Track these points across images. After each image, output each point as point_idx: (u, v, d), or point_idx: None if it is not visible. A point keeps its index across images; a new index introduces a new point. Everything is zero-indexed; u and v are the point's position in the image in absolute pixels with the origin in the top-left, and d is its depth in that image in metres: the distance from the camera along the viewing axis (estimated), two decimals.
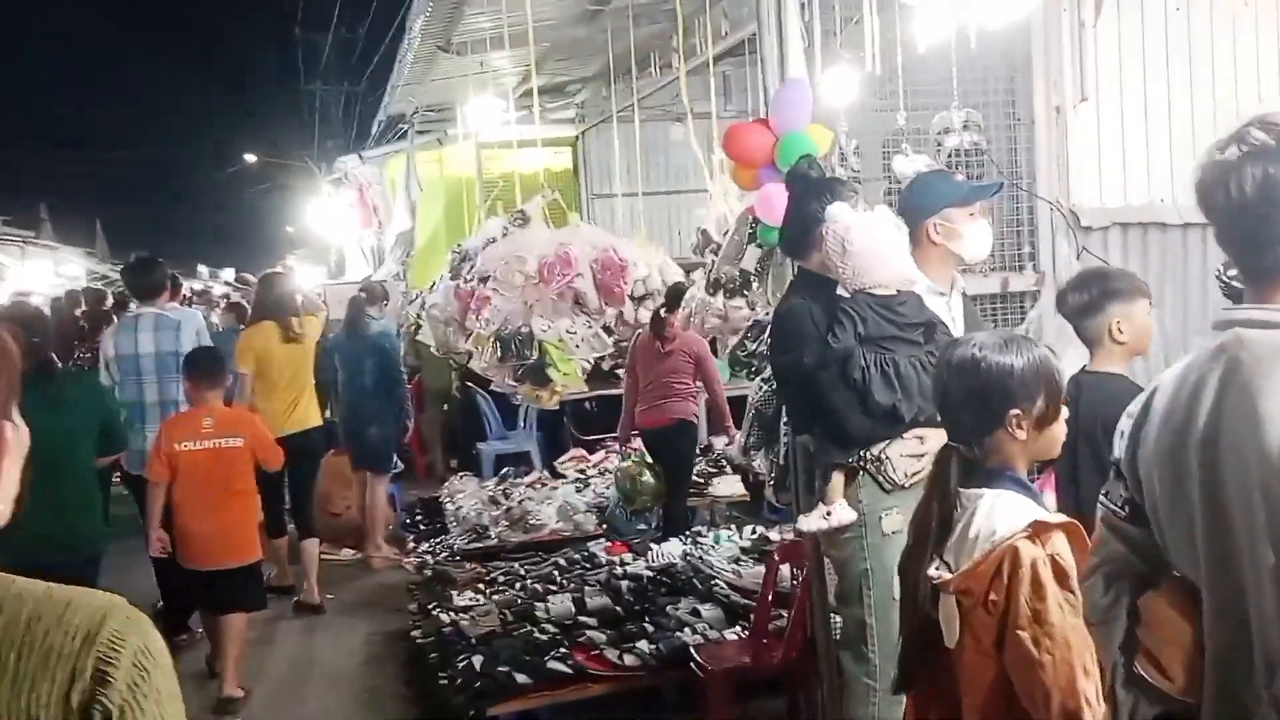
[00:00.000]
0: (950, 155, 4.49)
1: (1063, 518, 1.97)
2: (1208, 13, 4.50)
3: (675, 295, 5.19)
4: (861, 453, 3.05)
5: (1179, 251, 4.51)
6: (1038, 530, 1.95)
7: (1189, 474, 1.58)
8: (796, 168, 3.22)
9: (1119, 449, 1.73)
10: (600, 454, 7.41)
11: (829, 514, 3.08)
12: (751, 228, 3.98)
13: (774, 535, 5.17)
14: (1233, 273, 2.49)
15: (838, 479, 3.08)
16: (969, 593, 1.97)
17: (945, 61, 4.20)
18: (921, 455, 2.99)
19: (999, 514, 1.99)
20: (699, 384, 5.87)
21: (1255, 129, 1.54)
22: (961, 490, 2.06)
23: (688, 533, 5.46)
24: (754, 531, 5.40)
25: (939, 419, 2.74)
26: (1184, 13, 4.49)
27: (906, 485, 2.99)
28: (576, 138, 9.95)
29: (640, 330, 5.53)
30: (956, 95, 4.23)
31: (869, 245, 2.94)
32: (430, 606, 4.76)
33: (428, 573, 5.42)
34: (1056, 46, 4.33)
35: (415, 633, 4.68)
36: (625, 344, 5.67)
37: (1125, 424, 1.73)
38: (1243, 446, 1.49)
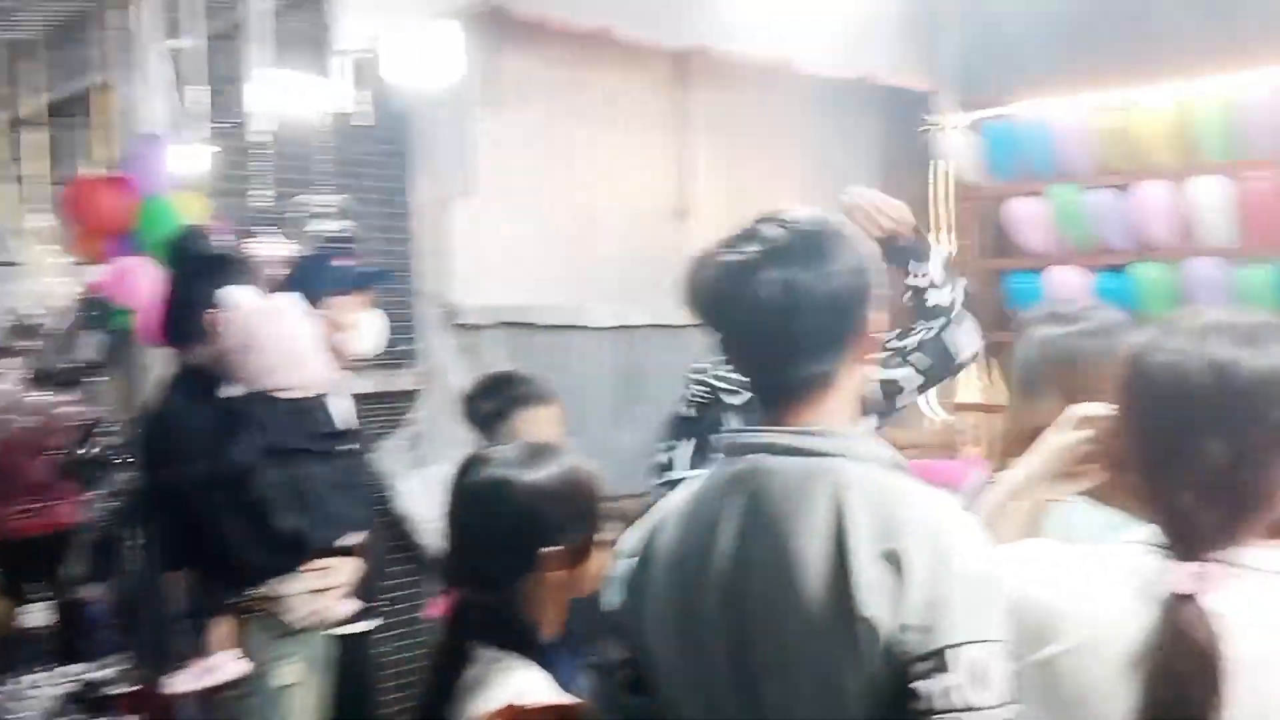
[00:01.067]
0: (317, 241, 4.13)
1: (557, 700, 1.59)
2: (582, 120, 4.62)
3: None
4: (253, 590, 2.52)
5: (552, 353, 4.52)
6: (510, 716, 1.57)
7: (708, 633, 1.32)
8: (181, 240, 2.65)
9: (614, 600, 1.44)
10: None
11: (210, 669, 2.50)
12: (95, 309, 3.28)
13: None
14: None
15: (222, 624, 2.51)
16: None
17: (322, 140, 3.87)
18: (327, 591, 2.54)
19: (502, 687, 1.60)
20: None
21: (772, 226, 1.36)
22: (482, 649, 1.64)
23: None
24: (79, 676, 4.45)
25: (350, 546, 2.34)
26: (560, 117, 4.56)
27: (308, 628, 2.52)
28: None
29: None
30: (330, 178, 3.92)
31: (278, 339, 2.45)
32: None
33: None
34: (441, 136, 4.15)
35: None
36: None
37: (622, 569, 1.45)
38: (776, 600, 1.26)
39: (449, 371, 4.05)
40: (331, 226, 4.00)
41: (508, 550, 1.66)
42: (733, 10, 4.23)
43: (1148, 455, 1.24)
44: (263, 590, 2.50)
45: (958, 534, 1.24)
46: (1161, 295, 4.25)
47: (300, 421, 2.48)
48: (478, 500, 1.68)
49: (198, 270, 2.61)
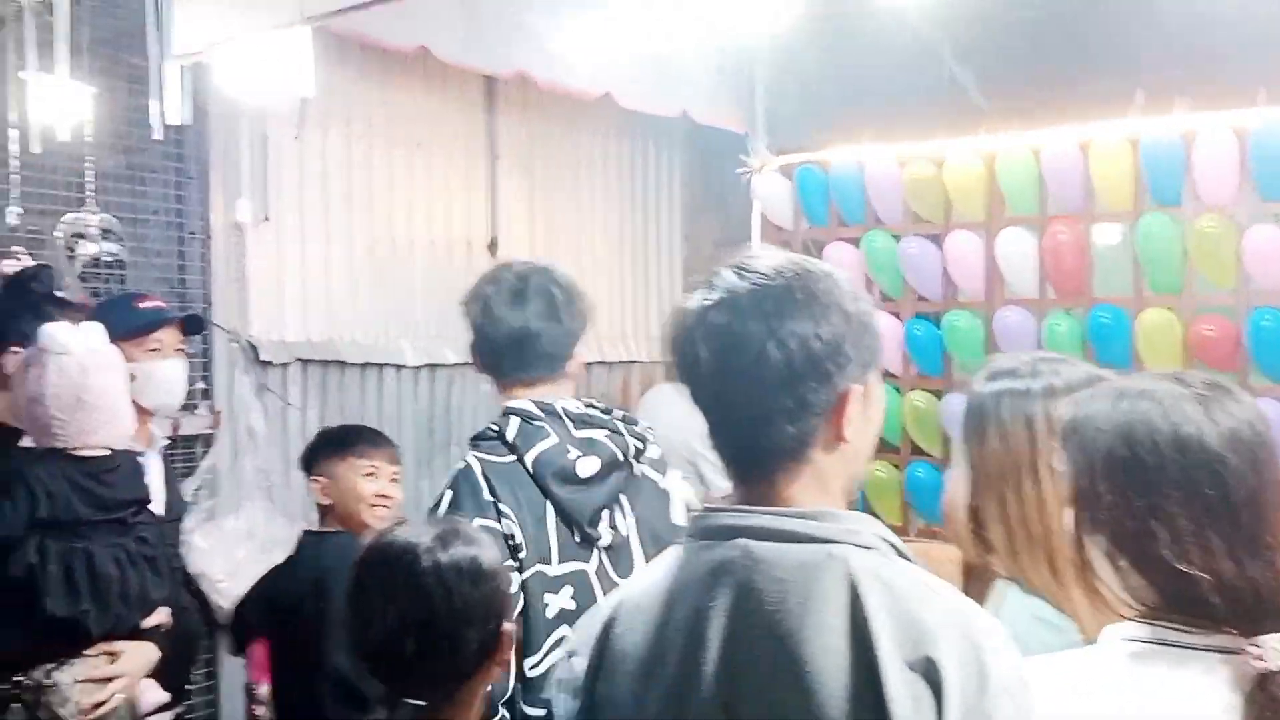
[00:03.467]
0: (85, 266, 3.71)
1: None
2: (388, 144, 4.35)
3: None
4: (16, 678, 2.16)
5: (358, 393, 4.23)
6: None
7: None
8: (18, 275, 2.32)
9: (562, 709, 1.24)
10: None
11: None
12: None
13: None
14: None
15: None
16: None
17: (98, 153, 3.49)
18: (108, 681, 2.20)
19: None
20: None
21: (728, 272, 1.21)
22: None
23: None
24: None
25: (140, 629, 2.03)
26: (366, 141, 4.28)
27: None
28: None
29: None
30: (92, 195, 3.54)
31: (109, 391, 2.12)
32: None
33: None
34: (235, 154, 3.81)
35: None
36: None
37: (567, 671, 1.25)
38: (784, 715, 1.09)
39: (246, 413, 3.71)
40: (94, 249, 3.62)
41: (477, 636, 1.51)
42: (553, 39, 4.09)
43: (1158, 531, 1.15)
44: (32, 678, 2.14)
45: (991, 640, 1.10)
46: (971, 343, 4.34)
47: (94, 485, 2.13)
48: (423, 588, 1.51)
49: (15, 306, 2.26)
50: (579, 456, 2.11)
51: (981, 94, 4.35)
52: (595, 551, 2.11)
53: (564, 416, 2.18)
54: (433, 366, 4.54)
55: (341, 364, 4.16)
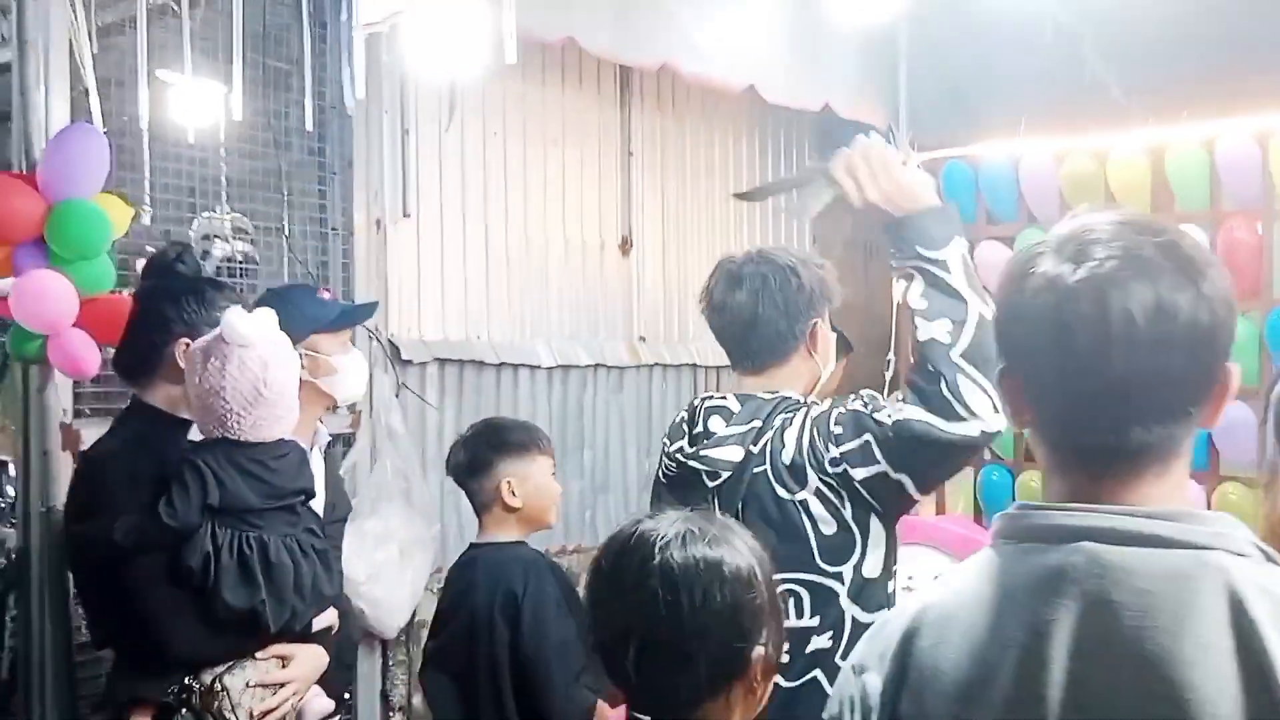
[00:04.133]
0: (220, 265, 3.67)
1: None
2: (522, 141, 4.26)
3: None
4: (186, 681, 2.07)
5: (493, 393, 4.13)
6: None
7: None
8: (161, 257, 2.25)
9: None
10: None
11: None
12: None
13: None
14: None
15: None
16: None
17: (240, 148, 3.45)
18: (280, 686, 2.10)
19: None
20: None
21: (1127, 232, 1.05)
22: None
23: None
24: None
25: (312, 630, 1.93)
26: (500, 138, 4.19)
27: None
28: None
29: None
30: (250, 191, 3.51)
31: (287, 385, 2.03)
32: None
33: None
34: (379, 151, 3.74)
35: None
36: None
37: (855, 689, 1.09)
38: None
39: (386, 413, 3.62)
40: (227, 249, 3.58)
41: (708, 656, 1.33)
42: (698, 30, 3.95)
43: None
44: (201, 681, 2.05)
45: None
46: None
47: (264, 472, 2.04)
48: (669, 589, 1.33)
49: (172, 293, 2.19)
50: (667, 463, 2.15)
51: (1124, 89, 4.09)
52: None
53: (685, 416, 2.19)
54: (566, 368, 4.43)
55: (479, 364, 4.07)
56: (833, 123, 4.98)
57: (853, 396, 2.05)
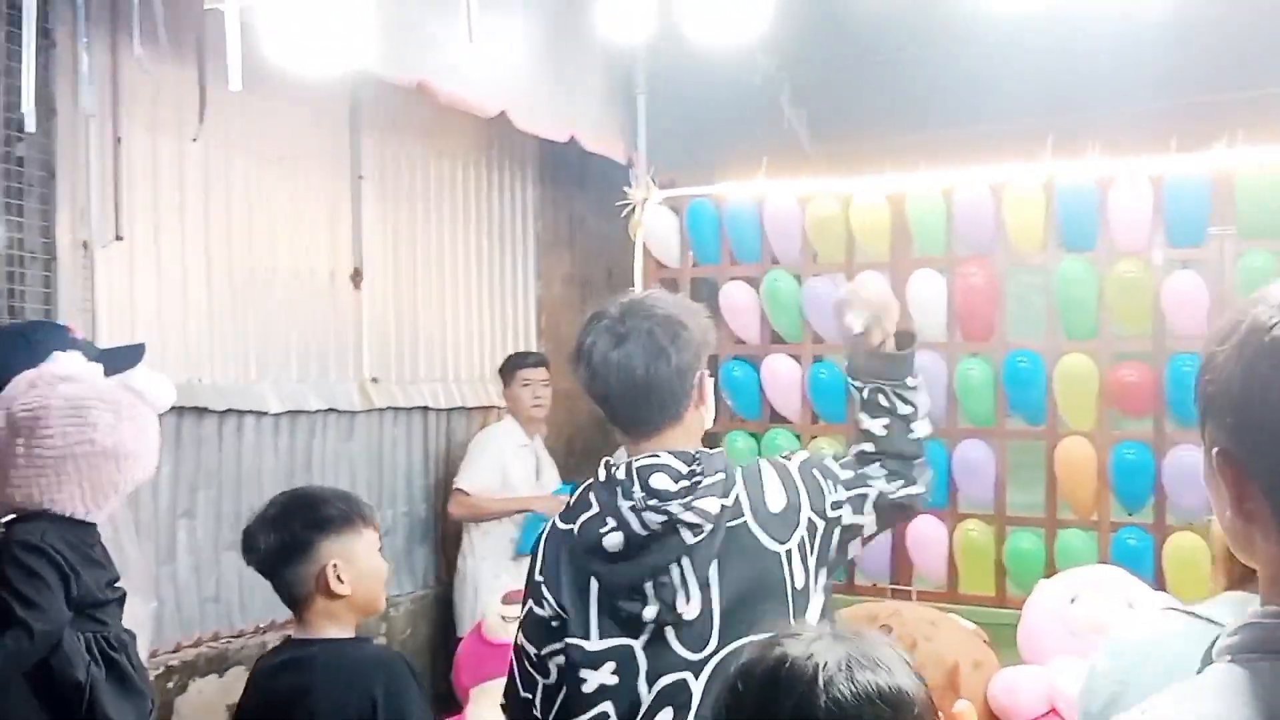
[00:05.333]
0: None
1: None
2: (246, 159, 3.78)
3: None
4: None
5: (215, 444, 3.61)
6: None
7: None
8: None
9: None
10: None
11: None
12: None
13: None
14: None
15: None
16: None
17: None
18: None
19: None
20: None
21: None
22: None
23: None
24: None
25: None
26: (225, 150, 3.69)
27: None
28: None
29: None
30: None
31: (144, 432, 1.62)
32: None
33: None
34: (85, 163, 3.17)
35: None
36: None
37: None
38: None
39: None
40: None
41: None
42: (454, 51, 3.67)
43: None
44: None
45: None
46: None
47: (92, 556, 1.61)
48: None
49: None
50: (609, 530, 1.89)
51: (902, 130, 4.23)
52: (645, 629, 1.88)
53: (613, 482, 1.93)
54: (295, 413, 3.97)
55: (200, 410, 3.54)
56: (569, 151, 4.83)
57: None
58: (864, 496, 2.04)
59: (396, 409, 4.45)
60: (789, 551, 1.93)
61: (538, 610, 1.94)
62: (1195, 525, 3.87)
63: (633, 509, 1.87)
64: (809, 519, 1.96)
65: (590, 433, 4.99)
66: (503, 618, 3.58)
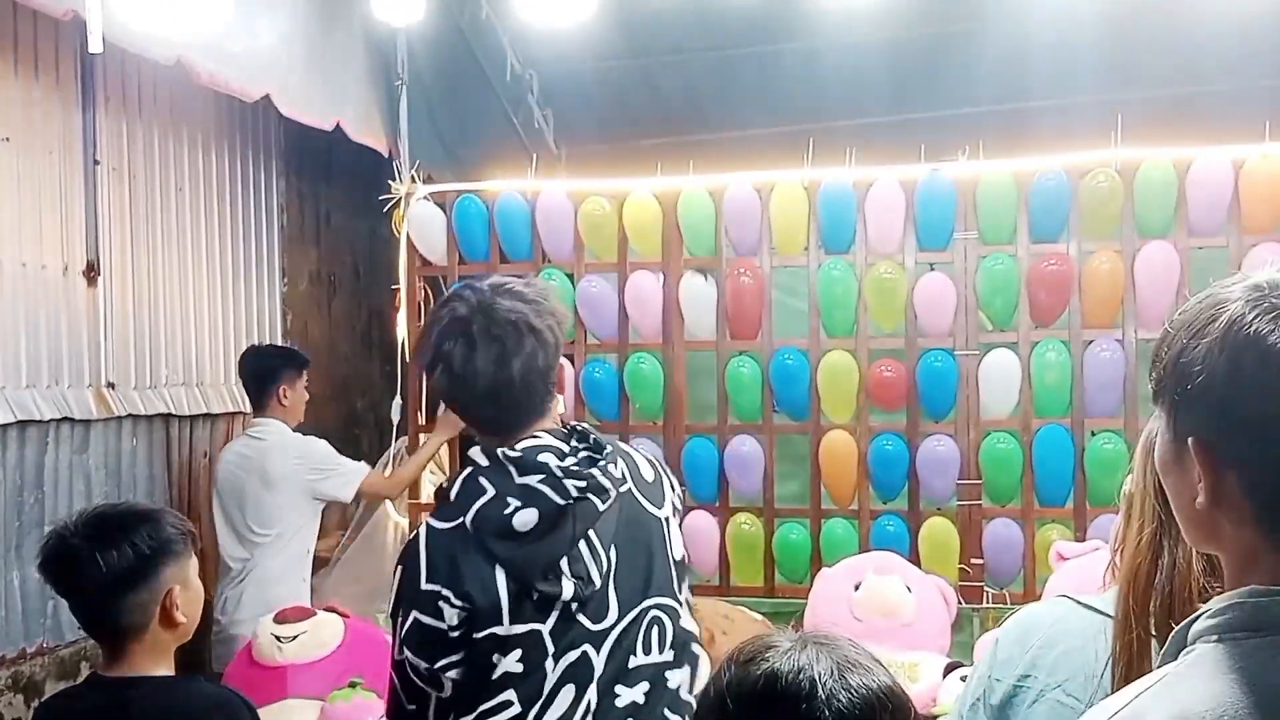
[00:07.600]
0: None
1: None
2: None
3: None
4: None
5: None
6: None
7: None
8: None
9: None
10: None
11: None
12: None
13: None
14: None
15: None
16: None
17: None
18: None
19: None
20: None
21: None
22: None
23: None
24: None
25: None
26: None
27: None
28: None
29: None
30: None
31: None
32: None
33: None
34: None
35: None
36: None
37: None
38: None
39: None
40: None
41: None
42: (217, 29, 3.41)
43: None
44: None
45: None
46: (651, 386, 4.23)
47: None
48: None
49: None
50: (516, 509, 1.79)
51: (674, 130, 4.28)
52: (556, 607, 1.82)
53: (505, 462, 1.83)
54: (24, 424, 3.56)
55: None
56: (317, 141, 4.59)
57: None
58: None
59: (136, 417, 4.08)
60: (666, 519, 1.95)
61: (430, 621, 1.79)
62: (944, 509, 4.16)
63: (544, 481, 1.79)
64: (668, 492, 1.99)
65: (337, 439, 4.72)
66: (275, 638, 3.36)
